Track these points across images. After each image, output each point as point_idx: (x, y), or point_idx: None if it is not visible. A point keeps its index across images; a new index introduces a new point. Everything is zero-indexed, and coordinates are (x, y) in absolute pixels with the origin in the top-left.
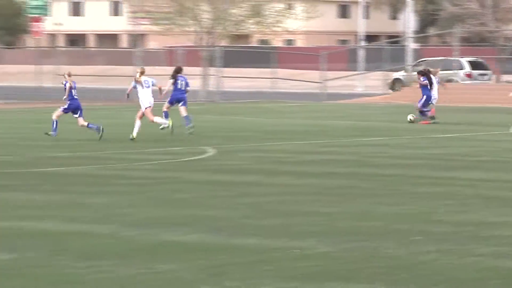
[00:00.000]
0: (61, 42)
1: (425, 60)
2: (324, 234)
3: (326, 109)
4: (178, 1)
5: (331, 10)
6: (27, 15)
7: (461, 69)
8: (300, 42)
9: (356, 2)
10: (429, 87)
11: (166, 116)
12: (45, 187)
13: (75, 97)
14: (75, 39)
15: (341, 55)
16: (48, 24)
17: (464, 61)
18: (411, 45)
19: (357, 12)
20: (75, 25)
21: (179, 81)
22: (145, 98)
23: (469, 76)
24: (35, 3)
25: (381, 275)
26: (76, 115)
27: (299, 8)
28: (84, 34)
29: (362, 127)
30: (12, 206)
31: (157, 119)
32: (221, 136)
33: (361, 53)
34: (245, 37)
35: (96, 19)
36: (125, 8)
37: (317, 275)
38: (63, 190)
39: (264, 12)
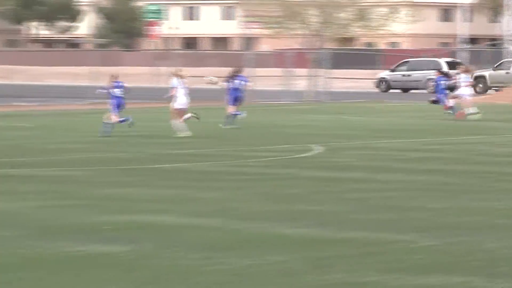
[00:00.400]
0: (176, 45)
1: (408, 61)
2: (428, 229)
3: (429, 109)
4: (288, 6)
5: (433, 14)
6: (144, 19)
7: (439, 68)
8: (404, 45)
9: (458, 6)
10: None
11: (235, 117)
12: (162, 182)
13: (118, 95)
14: (190, 42)
15: (443, 57)
16: (164, 28)
17: (442, 61)
18: (511, 47)
19: (459, 15)
20: (190, 29)
21: (237, 81)
22: (182, 99)
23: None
24: (151, 8)
25: (482, 268)
26: (116, 111)
27: (403, 12)
28: (198, 38)
29: (464, 126)
30: (131, 200)
31: (175, 122)
32: (328, 134)
33: (463, 55)
34: (350, 39)
35: (210, 23)
36: (237, 12)
37: (421, 267)
38: (178, 185)
39: (369, 16)
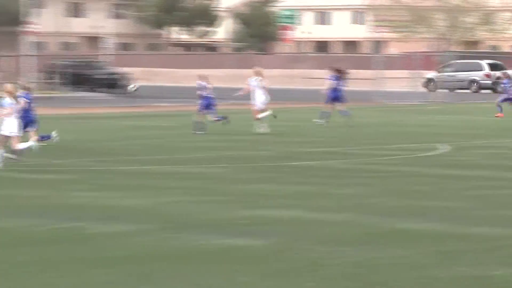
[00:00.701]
0: (308, 48)
1: (453, 63)
2: None
3: None
4: (416, 10)
5: None
6: (278, 24)
7: (481, 70)
8: None
9: None
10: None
11: (327, 116)
12: (294, 179)
13: (207, 96)
14: (322, 46)
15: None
16: (297, 32)
17: (484, 63)
18: None
19: None
20: (322, 33)
21: (338, 81)
22: (260, 97)
23: (488, 76)
24: (285, 13)
25: None
26: (206, 112)
27: None
28: (329, 41)
29: None
30: (265, 196)
31: (261, 115)
32: (454, 133)
33: None
34: (475, 43)
35: (341, 28)
36: (367, 17)
37: None
38: (310, 181)
39: (494, 20)
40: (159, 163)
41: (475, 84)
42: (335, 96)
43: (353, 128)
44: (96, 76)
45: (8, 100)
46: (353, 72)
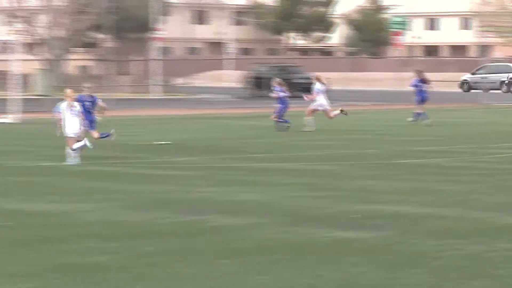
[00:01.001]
0: (418, 52)
1: (485, 65)
2: None
3: None
4: None
5: None
6: (389, 29)
7: (510, 72)
8: None
9: None
10: None
11: (419, 116)
12: (403, 176)
13: (283, 98)
14: (431, 50)
15: None
16: (407, 37)
17: None
18: None
19: None
20: (431, 38)
21: (424, 84)
22: (322, 100)
23: None
24: (396, 19)
25: None
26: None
27: None
28: (438, 46)
29: None
30: (376, 192)
31: (334, 113)
32: None
33: None
34: None
35: (449, 33)
36: (474, 23)
37: None
38: (419, 178)
39: None
40: (277, 161)
41: (505, 85)
42: (423, 98)
43: (459, 128)
44: (294, 81)
45: (65, 104)
46: (458, 75)
